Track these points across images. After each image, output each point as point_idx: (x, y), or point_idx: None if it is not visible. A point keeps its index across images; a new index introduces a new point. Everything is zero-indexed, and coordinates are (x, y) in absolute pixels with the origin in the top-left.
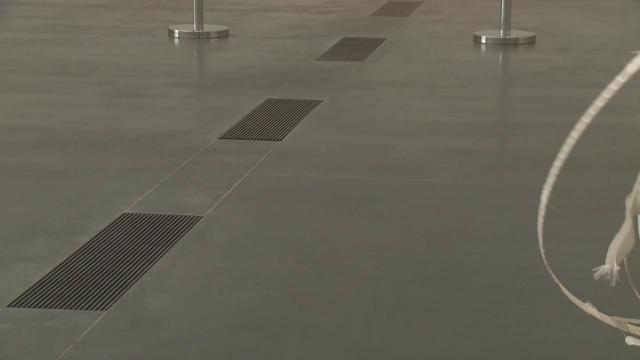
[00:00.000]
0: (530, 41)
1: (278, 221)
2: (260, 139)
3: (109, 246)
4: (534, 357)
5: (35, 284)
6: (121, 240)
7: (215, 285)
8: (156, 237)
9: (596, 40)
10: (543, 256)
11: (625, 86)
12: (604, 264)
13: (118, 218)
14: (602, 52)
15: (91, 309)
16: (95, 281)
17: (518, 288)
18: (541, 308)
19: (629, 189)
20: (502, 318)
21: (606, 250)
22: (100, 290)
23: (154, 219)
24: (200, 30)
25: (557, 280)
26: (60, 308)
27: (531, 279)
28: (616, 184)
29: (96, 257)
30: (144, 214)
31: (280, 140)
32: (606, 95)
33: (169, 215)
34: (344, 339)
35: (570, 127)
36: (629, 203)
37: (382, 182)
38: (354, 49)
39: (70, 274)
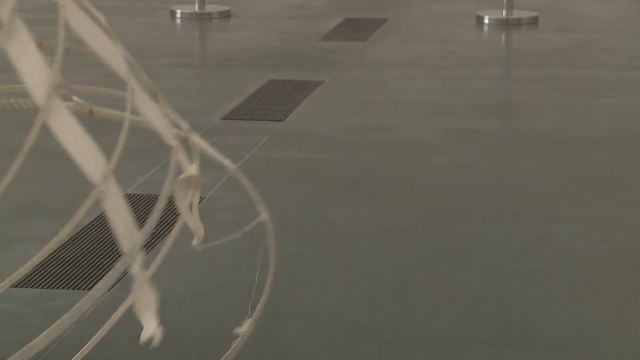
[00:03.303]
0: (533, 21)
1: (280, 202)
2: (263, 120)
3: (111, 227)
4: (535, 337)
5: (39, 265)
6: None
7: (217, 266)
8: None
9: (599, 21)
10: None
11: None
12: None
13: None
14: (605, 32)
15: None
16: (98, 262)
17: (519, 268)
18: (543, 288)
19: (631, 169)
20: (503, 298)
21: (609, 231)
22: (103, 271)
23: (154, 200)
24: (202, 11)
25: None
26: (62, 289)
27: (533, 259)
28: (618, 165)
29: (98, 238)
30: (146, 195)
31: (282, 121)
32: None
33: (172, 196)
34: (345, 320)
35: (573, 107)
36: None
37: (384, 163)
38: (356, 29)
39: (72, 255)
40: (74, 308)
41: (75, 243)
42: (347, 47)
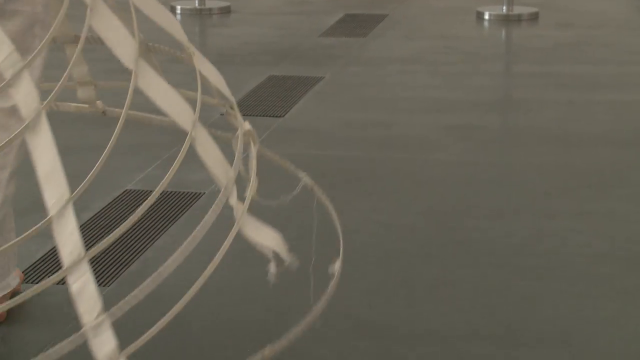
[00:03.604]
0: (534, 17)
1: (279, 198)
2: (263, 116)
3: (111, 222)
4: (536, 332)
5: (38, 260)
6: (123, 216)
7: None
8: (158, 213)
9: (599, 16)
10: None
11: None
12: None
13: (120, 194)
14: (606, 28)
15: None
16: (98, 257)
17: (520, 264)
18: (543, 284)
19: (631, 164)
20: (504, 294)
21: (609, 227)
22: (103, 267)
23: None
24: (202, 7)
25: None
26: (62, 284)
27: (533, 255)
28: (618, 160)
29: (98, 233)
30: (146, 190)
31: (283, 116)
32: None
33: (171, 192)
34: (346, 315)
35: (573, 103)
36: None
37: (385, 159)
38: (356, 25)
39: None
40: (193, 234)
41: None
42: (347, 43)
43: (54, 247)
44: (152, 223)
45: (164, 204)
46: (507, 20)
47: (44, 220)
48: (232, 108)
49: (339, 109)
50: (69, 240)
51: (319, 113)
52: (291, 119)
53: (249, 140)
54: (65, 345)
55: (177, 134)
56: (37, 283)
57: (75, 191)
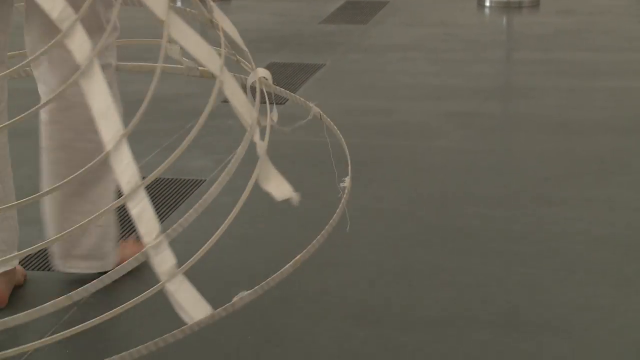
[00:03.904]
0: (535, 4)
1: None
2: (263, 103)
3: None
4: (535, 319)
5: (38, 247)
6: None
7: (217, 248)
8: (159, 200)
9: (600, 3)
10: None
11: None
12: None
13: None
14: (606, 14)
15: (95, 272)
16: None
17: (520, 251)
18: (543, 271)
19: (631, 151)
20: (504, 281)
21: (609, 214)
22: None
23: (157, 183)
24: None
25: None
26: (50, 271)
27: (533, 242)
28: (618, 147)
29: None
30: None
31: (283, 104)
32: None
33: (172, 179)
34: (346, 302)
35: (574, 90)
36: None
37: (385, 146)
38: (357, 12)
39: None
40: (227, 169)
41: None
42: (348, 30)
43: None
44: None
45: (165, 191)
46: (508, 7)
47: (102, 154)
48: (245, 59)
49: (339, 96)
50: (126, 170)
51: (320, 100)
52: (291, 106)
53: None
54: (129, 263)
55: (178, 121)
56: (38, 271)
57: (129, 126)
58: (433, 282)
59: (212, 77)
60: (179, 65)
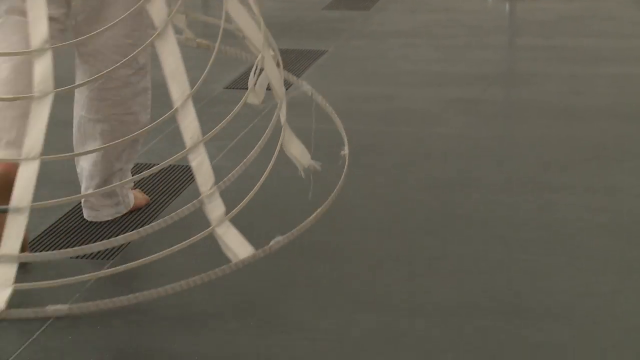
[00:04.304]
0: None
1: (283, 170)
2: (266, 89)
3: None
4: (538, 306)
5: (41, 234)
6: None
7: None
8: (162, 187)
9: None
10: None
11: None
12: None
13: None
14: (609, 1)
15: (96, 258)
16: (101, 231)
17: (523, 238)
18: (545, 257)
19: (634, 138)
20: (506, 267)
21: (611, 200)
22: (104, 239)
23: (161, 170)
24: None
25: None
26: (65, 257)
27: (536, 229)
28: (621, 134)
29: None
30: (150, 164)
31: (285, 90)
32: None
33: (175, 166)
34: (349, 289)
35: (576, 76)
36: None
37: (387, 132)
38: None
39: (75, 224)
40: (264, 136)
41: (76, 212)
42: (350, 16)
43: (57, 220)
44: (156, 197)
45: (168, 178)
46: None
47: (171, 111)
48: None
49: (341, 82)
50: (190, 126)
51: (322, 87)
52: (294, 92)
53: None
54: (187, 208)
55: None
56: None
57: (194, 87)
58: (434, 269)
59: (207, 46)
60: (179, 35)
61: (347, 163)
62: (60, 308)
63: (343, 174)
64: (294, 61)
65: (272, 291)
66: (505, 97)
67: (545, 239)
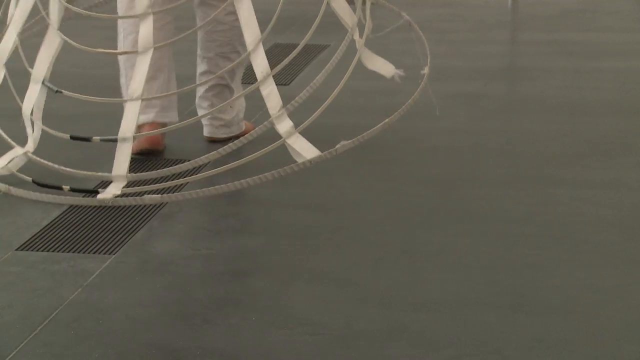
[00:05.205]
0: None
1: (285, 165)
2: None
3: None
4: (540, 301)
5: (44, 228)
6: (129, 184)
7: (222, 229)
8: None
9: None
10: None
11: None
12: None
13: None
14: None
15: (99, 253)
16: (104, 225)
17: (525, 233)
18: (548, 252)
19: (636, 132)
20: (508, 262)
21: (614, 195)
22: (109, 234)
23: (162, 164)
24: None
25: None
26: (68, 252)
27: (538, 223)
28: (623, 128)
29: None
30: (152, 159)
31: (288, 85)
32: None
33: (177, 160)
34: (350, 284)
35: (579, 71)
36: None
37: (390, 127)
38: None
39: (78, 218)
40: (331, 61)
41: (80, 206)
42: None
43: (59, 216)
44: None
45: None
46: None
47: (245, 54)
48: None
49: (344, 76)
50: (260, 64)
51: (324, 81)
52: (297, 86)
53: None
54: (257, 130)
55: (182, 102)
56: (41, 252)
57: (264, 32)
58: (437, 263)
59: None
60: None
61: (425, 80)
62: (155, 197)
63: (419, 88)
64: (296, 55)
65: (274, 286)
66: (507, 91)
67: (548, 233)
